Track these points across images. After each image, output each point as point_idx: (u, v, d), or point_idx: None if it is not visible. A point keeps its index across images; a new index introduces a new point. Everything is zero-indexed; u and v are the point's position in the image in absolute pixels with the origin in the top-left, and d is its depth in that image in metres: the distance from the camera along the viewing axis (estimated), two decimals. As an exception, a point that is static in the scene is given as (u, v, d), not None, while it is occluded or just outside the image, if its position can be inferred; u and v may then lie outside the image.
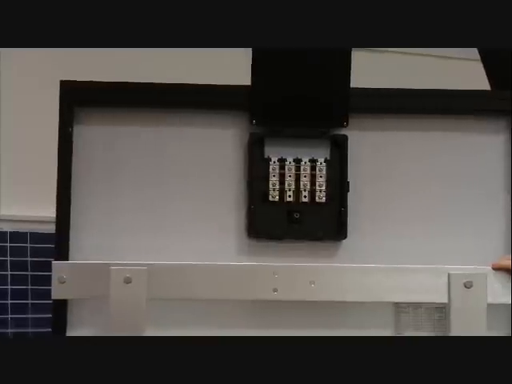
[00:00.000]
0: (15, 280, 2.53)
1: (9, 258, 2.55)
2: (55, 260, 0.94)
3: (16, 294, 2.52)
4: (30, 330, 2.51)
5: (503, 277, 0.94)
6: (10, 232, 2.61)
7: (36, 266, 2.58)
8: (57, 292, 0.93)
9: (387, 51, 3.11)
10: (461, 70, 3.14)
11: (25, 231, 2.66)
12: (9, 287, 2.53)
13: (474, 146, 1.01)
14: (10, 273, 2.53)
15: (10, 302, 2.50)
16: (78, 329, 1.00)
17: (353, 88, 0.98)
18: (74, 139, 0.96)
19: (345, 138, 0.97)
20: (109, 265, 0.92)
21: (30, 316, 2.53)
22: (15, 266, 2.55)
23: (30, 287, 2.54)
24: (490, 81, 1.67)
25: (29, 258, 2.58)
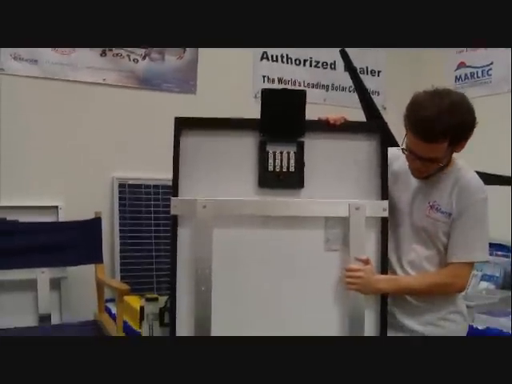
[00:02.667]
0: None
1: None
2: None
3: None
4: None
5: (373, 205, 2.02)
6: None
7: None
8: (174, 210, 1.99)
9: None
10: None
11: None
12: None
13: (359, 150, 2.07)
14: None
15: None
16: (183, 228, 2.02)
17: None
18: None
19: (302, 142, 2.04)
20: (196, 200, 2.01)
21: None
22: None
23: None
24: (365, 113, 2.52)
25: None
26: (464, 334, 2.13)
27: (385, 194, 2.05)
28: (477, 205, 1.98)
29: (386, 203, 2.03)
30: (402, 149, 1.99)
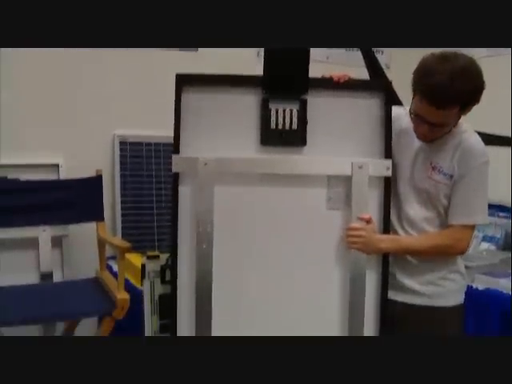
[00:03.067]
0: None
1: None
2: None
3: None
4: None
5: (376, 164, 2.00)
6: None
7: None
8: (175, 167, 1.98)
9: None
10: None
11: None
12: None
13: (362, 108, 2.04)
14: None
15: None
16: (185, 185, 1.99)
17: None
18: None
19: (305, 100, 2.01)
20: (197, 158, 1.99)
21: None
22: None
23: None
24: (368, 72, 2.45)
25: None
26: (463, 293, 2.16)
27: (388, 153, 2.03)
28: (479, 168, 1.98)
29: (389, 162, 2.02)
30: (410, 113, 1.96)
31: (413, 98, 1.94)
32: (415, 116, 1.94)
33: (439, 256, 2.07)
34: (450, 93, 1.82)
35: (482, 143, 2.01)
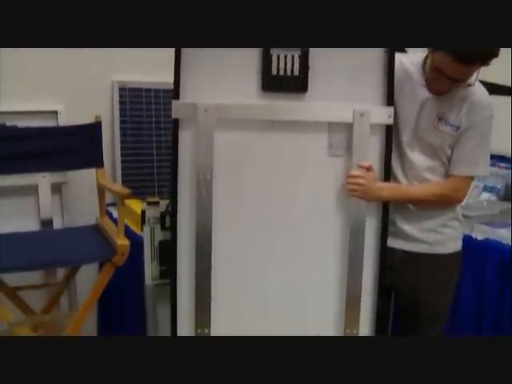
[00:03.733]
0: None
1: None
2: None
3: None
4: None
5: (378, 111, 1.98)
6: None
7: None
8: (175, 113, 1.97)
9: None
10: None
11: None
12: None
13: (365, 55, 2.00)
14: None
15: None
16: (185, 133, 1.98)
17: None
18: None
19: (308, 44, 1.98)
20: (197, 103, 1.96)
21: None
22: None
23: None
24: None
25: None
26: (460, 240, 2.18)
27: (390, 100, 2.01)
28: (485, 121, 2.00)
29: (391, 110, 2.00)
30: (424, 66, 1.98)
31: (429, 53, 1.94)
32: (435, 71, 1.92)
33: (438, 204, 2.08)
34: (476, 49, 1.80)
35: (489, 96, 2.01)
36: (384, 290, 2.13)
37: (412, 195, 2.07)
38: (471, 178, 2.09)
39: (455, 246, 2.18)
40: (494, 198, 3.07)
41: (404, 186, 2.09)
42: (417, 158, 2.07)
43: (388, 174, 2.06)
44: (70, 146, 2.68)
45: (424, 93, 2.02)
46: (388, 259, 2.09)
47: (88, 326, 2.88)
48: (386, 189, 2.03)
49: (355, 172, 1.98)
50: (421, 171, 2.07)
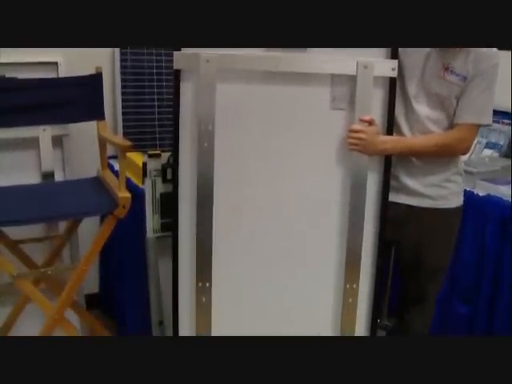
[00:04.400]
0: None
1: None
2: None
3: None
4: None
5: (381, 63, 1.95)
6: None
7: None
8: (177, 64, 1.94)
9: None
10: None
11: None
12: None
13: None
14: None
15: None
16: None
17: None
18: None
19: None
20: (199, 54, 1.93)
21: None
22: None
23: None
24: None
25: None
26: (462, 195, 2.17)
27: (394, 52, 1.98)
28: (491, 70, 1.97)
29: (395, 63, 1.98)
30: None
31: None
32: None
33: (442, 156, 2.07)
34: None
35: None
36: (385, 245, 2.13)
37: (415, 147, 2.05)
38: (476, 128, 2.06)
39: (458, 200, 2.18)
40: (496, 154, 3.05)
41: (407, 139, 2.07)
42: (423, 109, 2.05)
43: (391, 128, 2.04)
44: (71, 98, 2.64)
45: None
46: (391, 214, 2.09)
47: (90, 280, 2.91)
48: (389, 142, 2.01)
49: (356, 126, 1.96)
50: (426, 123, 2.05)
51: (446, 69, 1.98)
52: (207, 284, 2.04)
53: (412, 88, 2.03)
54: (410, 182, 2.12)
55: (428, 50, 1.99)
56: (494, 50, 1.97)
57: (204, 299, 2.05)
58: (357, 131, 1.96)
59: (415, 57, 2.01)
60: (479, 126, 2.06)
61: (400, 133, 2.07)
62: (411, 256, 2.22)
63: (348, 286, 2.08)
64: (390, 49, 1.97)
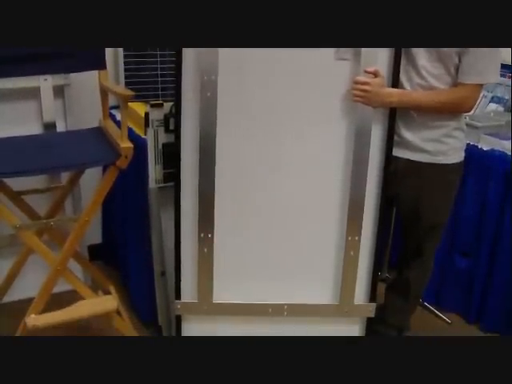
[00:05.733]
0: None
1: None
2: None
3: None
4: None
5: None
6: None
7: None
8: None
9: None
10: None
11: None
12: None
13: None
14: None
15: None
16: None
17: None
18: None
19: None
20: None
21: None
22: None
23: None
24: None
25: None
26: (463, 151, 2.17)
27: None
28: None
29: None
30: None
31: None
32: None
33: (446, 112, 2.06)
34: None
35: None
36: (386, 200, 2.13)
37: (420, 101, 2.03)
38: (481, 86, 2.05)
39: (458, 156, 2.17)
40: (501, 109, 3.03)
41: (413, 92, 2.05)
42: (424, 66, 2.03)
43: (396, 81, 2.02)
44: (71, 48, 2.60)
45: None
46: (391, 168, 2.08)
47: (92, 231, 2.92)
48: (395, 95, 2.00)
49: (361, 78, 1.94)
50: (428, 80, 2.03)
51: None
52: (209, 235, 2.04)
53: None
54: (409, 136, 2.11)
55: None
56: None
57: (206, 250, 2.06)
58: (362, 83, 1.93)
59: None
60: (483, 84, 2.05)
61: (400, 86, 2.05)
62: (410, 210, 2.24)
63: (350, 239, 2.08)
64: None
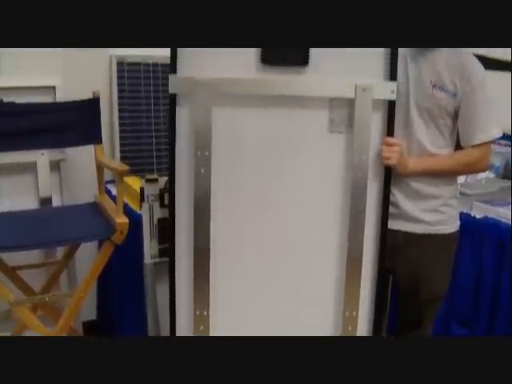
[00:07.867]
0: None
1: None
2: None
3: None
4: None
5: (380, 86, 1.95)
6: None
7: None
8: (172, 88, 1.92)
9: None
10: None
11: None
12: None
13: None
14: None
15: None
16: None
17: None
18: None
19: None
20: (194, 78, 1.93)
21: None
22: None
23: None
24: None
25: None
26: (458, 219, 2.17)
27: (393, 74, 1.97)
28: (483, 84, 1.98)
29: (394, 85, 1.97)
30: None
31: None
32: None
33: (463, 174, 2.05)
34: None
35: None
36: (384, 272, 2.10)
37: (437, 167, 2.06)
38: (490, 144, 2.07)
39: (455, 225, 2.17)
40: (492, 175, 3.05)
41: (427, 159, 2.06)
42: (415, 130, 2.05)
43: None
44: (68, 123, 2.64)
45: (409, 60, 2.05)
46: (389, 241, 2.06)
47: (87, 307, 2.88)
48: (412, 161, 2.02)
49: (391, 139, 1.95)
50: (422, 143, 2.06)
51: (434, 86, 1.99)
52: (205, 312, 2.01)
53: (402, 106, 2.05)
54: (407, 206, 2.10)
55: (417, 71, 2.02)
56: (478, 61, 1.99)
57: (202, 327, 2.02)
58: (393, 144, 1.94)
59: (400, 76, 2.01)
60: (492, 141, 2.08)
61: None
62: (409, 283, 2.19)
63: (347, 314, 2.04)
64: (389, 70, 1.96)
